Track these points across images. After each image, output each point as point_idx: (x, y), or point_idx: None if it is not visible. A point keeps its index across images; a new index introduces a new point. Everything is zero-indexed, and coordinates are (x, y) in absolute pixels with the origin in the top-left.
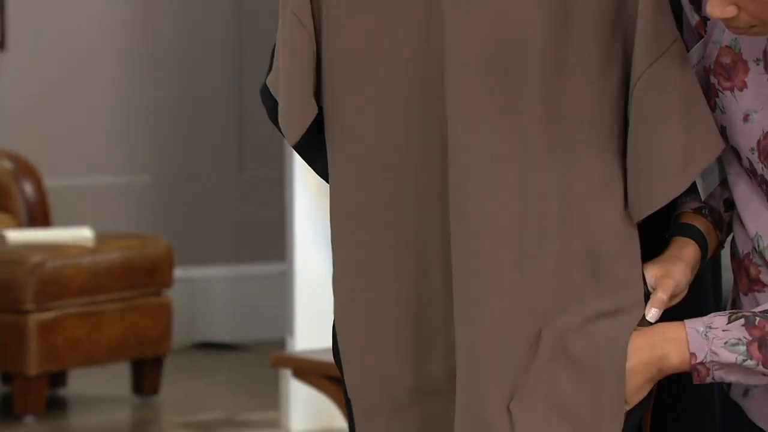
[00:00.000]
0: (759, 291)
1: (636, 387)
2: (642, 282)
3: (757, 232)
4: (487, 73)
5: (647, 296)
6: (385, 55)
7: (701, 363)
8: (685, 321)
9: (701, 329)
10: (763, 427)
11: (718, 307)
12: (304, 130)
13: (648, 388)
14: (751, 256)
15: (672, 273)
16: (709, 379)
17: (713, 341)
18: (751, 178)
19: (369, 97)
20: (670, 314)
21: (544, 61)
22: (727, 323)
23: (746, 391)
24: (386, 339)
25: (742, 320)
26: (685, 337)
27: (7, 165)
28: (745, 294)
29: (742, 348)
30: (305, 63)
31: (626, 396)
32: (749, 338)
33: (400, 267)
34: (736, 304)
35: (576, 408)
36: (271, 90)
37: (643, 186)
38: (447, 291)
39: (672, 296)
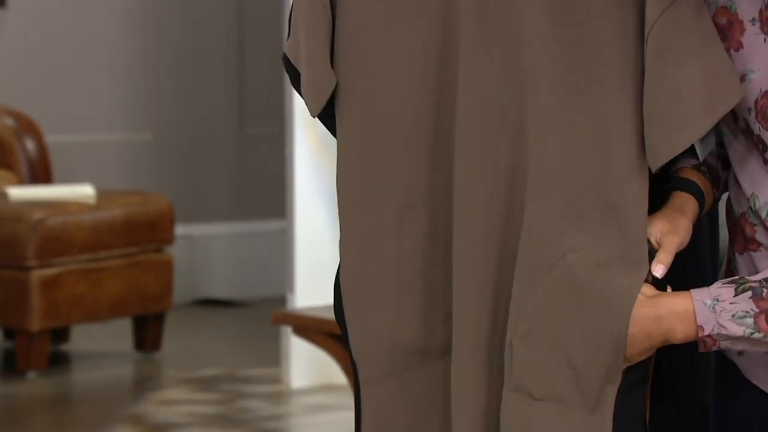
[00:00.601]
0: (754, 251)
1: (638, 352)
2: (646, 238)
3: (753, 192)
4: (495, 29)
5: (650, 252)
6: (404, 20)
7: (708, 335)
8: (692, 292)
9: (708, 302)
10: (756, 384)
11: (715, 264)
12: (325, 100)
13: (650, 353)
14: (746, 216)
15: (678, 229)
16: (714, 348)
17: (720, 314)
18: (746, 138)
19: (385, 63)
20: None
21: (552, 9)
22: (734, 295)
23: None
24: (393, 302)
25: (750, 292)
26: (692, 309)
27: (9, 122)
28: (741, 254)
29: (750, 321)
30: (321, 34)
31: (627, 357)
32: (756, 310)
33: (407, 231)
34: (731, 264)
35: (576, 360)
36: (290, 58)
37: (660, 132)
38: (449, 254)
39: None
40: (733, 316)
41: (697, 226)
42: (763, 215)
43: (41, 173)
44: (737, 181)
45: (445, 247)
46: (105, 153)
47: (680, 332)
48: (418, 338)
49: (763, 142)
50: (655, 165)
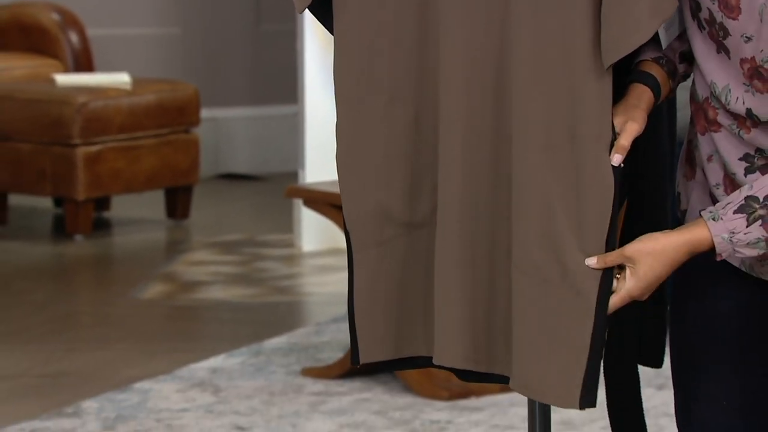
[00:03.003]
0: (715, 131)
1: (662, 274)
2: (611, 130)
3: (712, 80)
4: None
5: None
6: None
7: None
8: (709, 226)
9: (726, 236)
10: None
11: (672, 142)
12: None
13: (668, 274)
14: (709, 100)
15: (635, 118)
16: (724, 257)
17: (737, 244)
18: (702, 30)
19: None
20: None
21: None
22: (747, 226)
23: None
24: (382, 180)
25: (760, 221)
26: (710, 242)
27: (55, 16)
28: (703, 134)
29: (762, 244)
30: None
31: (652, 280)
32: (767, 235)
33: (395, 120)
34: (692, 144)
35: (561, 240)
36: None
37: (613, 34)
38: (435, 138)
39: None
40: (747, 244)
41: (656, 110)
42: (723, 99)
43: (84, 62)
44: (700, 70)
45: (430, 132)
46: (140, 45)
47: (702, 250)
48: (404, 211)
49: (724, 28)
50: (607, 62)
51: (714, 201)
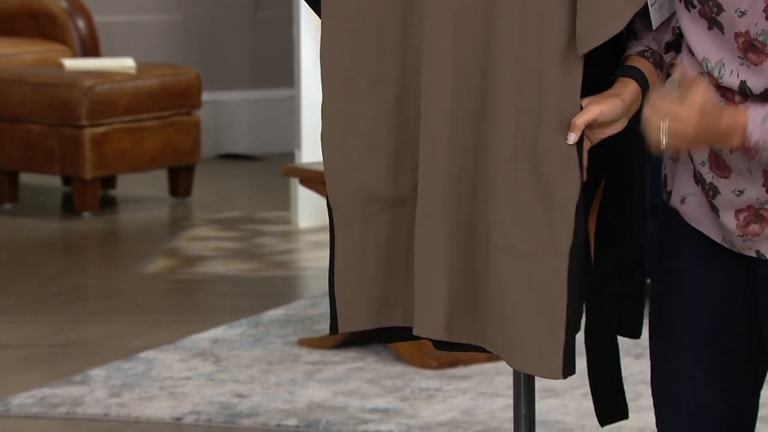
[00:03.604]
0: None
1: (697, 135)
2: (579, 107)
3: (704, 57)
4: None
5: None
6: None
7: (753, 145)
8: (749, 110)
9: (760, 118)
10: (693, 225)
11: None
12: None
13: (705, 144)
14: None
15: (602, 102)
16: (753, 143)
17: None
18: (691, 9)
19: None
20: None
21: None
22: None
23: (683, 199)
24: (365, 159)
25: None
26: (746, 119)
27: (63, 4)
28: None
29: None
30: None
31: (692, 136)
32: None
33: (378, 101)
34: None
35: (530, 216)
36: None
37: (587, 24)
38: (417, 117)
39: (597, 121)
40: None
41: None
42: (716, 74)
43: (91, 48)
44: (690, 50)
45: (411, 112)
46: (144, 31)
47: (735, 135)
48: (386, 189)
49: (718, 4)
50: (580, 51)
51: (699, 179)
